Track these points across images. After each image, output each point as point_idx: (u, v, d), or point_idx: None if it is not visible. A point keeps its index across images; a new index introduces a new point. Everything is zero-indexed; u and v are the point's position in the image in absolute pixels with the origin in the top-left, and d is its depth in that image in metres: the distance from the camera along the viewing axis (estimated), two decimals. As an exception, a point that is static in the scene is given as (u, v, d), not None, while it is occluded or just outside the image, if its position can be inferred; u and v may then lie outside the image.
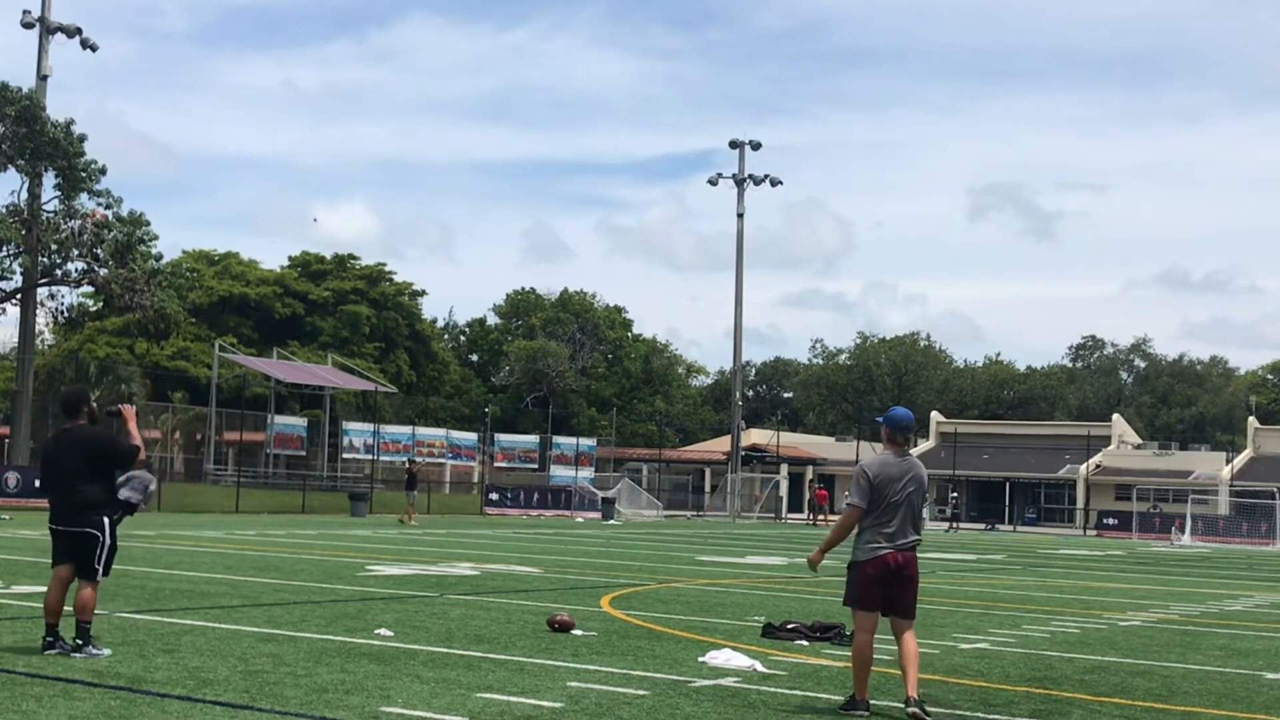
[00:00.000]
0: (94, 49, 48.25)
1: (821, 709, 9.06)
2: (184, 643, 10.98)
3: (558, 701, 8.81)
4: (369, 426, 58.56)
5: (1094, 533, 63.68)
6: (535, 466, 65.82)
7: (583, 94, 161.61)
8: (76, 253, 45.98)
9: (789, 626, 13.26)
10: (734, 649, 11.38)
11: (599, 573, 21.55)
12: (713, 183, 69.48)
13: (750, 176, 69.10)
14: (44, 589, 10.49)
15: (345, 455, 58.87)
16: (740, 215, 69.26)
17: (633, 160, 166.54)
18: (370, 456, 57.36)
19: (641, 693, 9.32)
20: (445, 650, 11.15)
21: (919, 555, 9.11)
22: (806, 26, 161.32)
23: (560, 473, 64.70)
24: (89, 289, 51.38)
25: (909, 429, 9.08)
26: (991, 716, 9.08)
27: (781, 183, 70.05)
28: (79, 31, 47.39)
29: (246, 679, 9.25)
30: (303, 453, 58.65)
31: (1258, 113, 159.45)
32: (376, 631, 12.05)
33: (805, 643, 12.57)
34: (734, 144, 69.28)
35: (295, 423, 58.74)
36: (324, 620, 13.07)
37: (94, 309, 59.80)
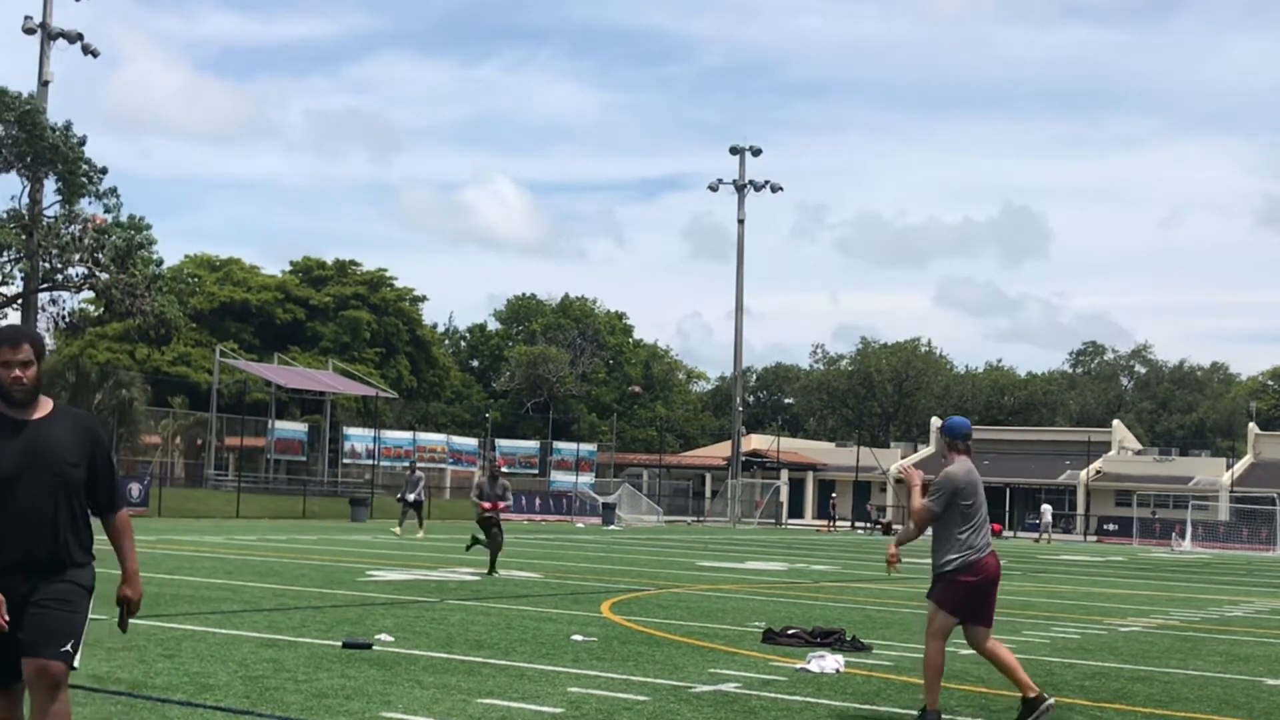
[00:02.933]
0: (95, 55, 48.35)
1: (822, 714, 9.05)
2: (184, 648, 10.99)
3: (558, 707, 8.81)
4: (369, 432, 58.57)
5: (1094, 538, 63.66)
6: (536, 472, 65.83)
7: (552, 121, 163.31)
8: (78, 257, 45.97)
9: (789, 632, 13.26)
10: (830, 653, 11.69)
11: (599, 578, 21.54)
12: (713, 188, 69.57)
13: (751, 182, 69.17)
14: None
15: (346, 460, 58.89)
16: (741, 221, 69.31)
17: (620, 179, 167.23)
18: (371, 462, 57.37)
19: (642, 698, 9.32)
20: (445, 656, 11.15)
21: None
22: (755, 64, 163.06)
23: (560, 478, 64.73)
24: (90, 294, 51.39)
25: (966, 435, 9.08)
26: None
27: (782, 188, 70.21)
28: (80, 37, 47.47)
29: (247, 684, 9.25)
30: (303, 458, 58.66)
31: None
32: (377, 637, 12.04)
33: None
34: (734, 150, 69.36)
35: (296, 428, 58.76)
36: (325, 625, 13.07)
37: (95, 314, 59.80)
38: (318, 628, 12.85)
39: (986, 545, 8.79)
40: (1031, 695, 8.60)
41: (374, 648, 11.38)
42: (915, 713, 9.04)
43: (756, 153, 69.31)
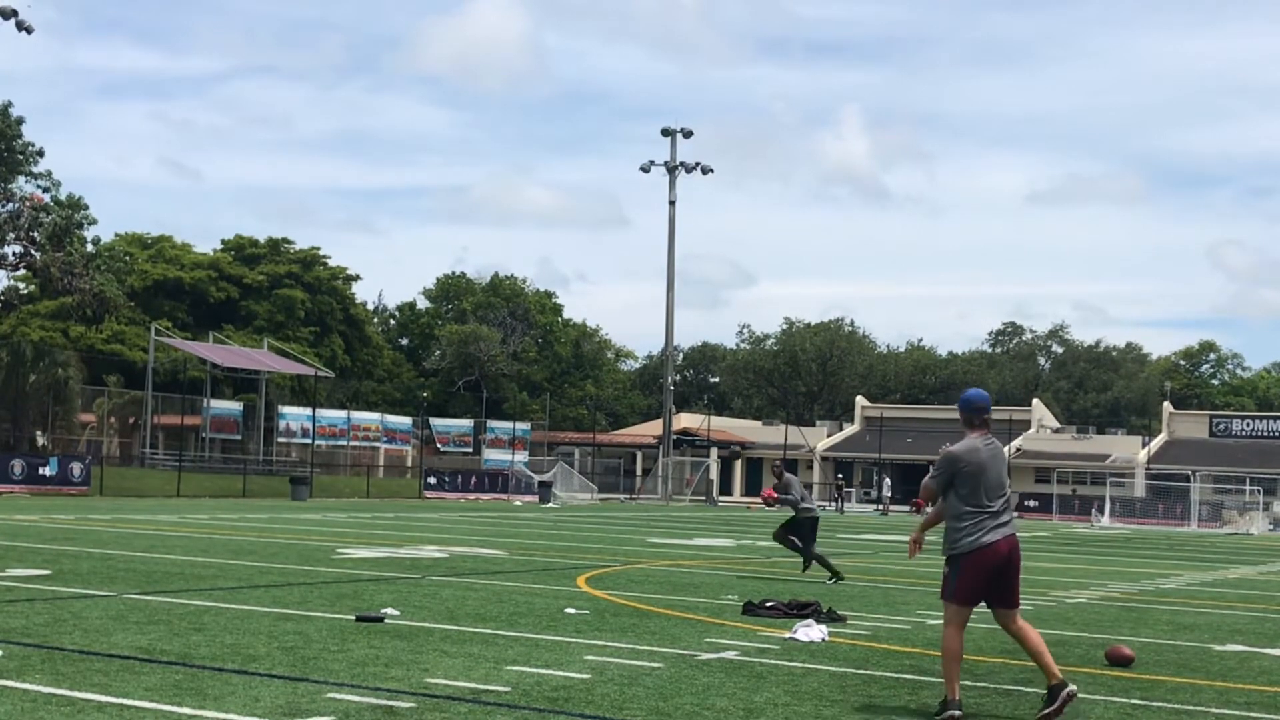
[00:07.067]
0: (30, 31, 47.96)
1: (825, 678, 9.81)
2: (208, 621, 11.54)
3: (584, 673, 9.50)
4: (304, 410, 58.73)
5: (1016, 515, 65.24)
6: (469, 450, 66.32)
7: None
8: (13, 236, 45.82)
9: (768, 605, 14.04)
10: (815, 623, 12.43)
11: (561, 555, 22.23)
12: (645, 170, 70.23)
13: (682, 164, 69.92)
14: (36, 571, 10.97)
15: (281, 439, 59.02)
16: (672, 203, 70.09)
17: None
18: (307, 440, 57.55)
19: (656, 665, 10.03)
20: (456, 628, 11.80)
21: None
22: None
23: (494, 456, 65.25)
24: (23, 272, 51.08)
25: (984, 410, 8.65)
26: (980, 684, 9.90)
27: (712, 170, 70.93)
28: (14, 14, 47.05)
29: (287, 654, 9.85)
30: (238, 437, 58.71)
31: None
32: (383, 611, 12.65)
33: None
34: (665, 131, 70.07)
35: (231, 406, 58.78)
36: (327, 600, 13.65)
37: (25, 291, 59.40)
38: (320, 603, 13.43)
39: (998, 526, 8.42)
40: (1054, 682, 8.38)
41: (385, 621, 12.02)
42: (890, 673, 9.84)
43: (688, 135, 70.15)
